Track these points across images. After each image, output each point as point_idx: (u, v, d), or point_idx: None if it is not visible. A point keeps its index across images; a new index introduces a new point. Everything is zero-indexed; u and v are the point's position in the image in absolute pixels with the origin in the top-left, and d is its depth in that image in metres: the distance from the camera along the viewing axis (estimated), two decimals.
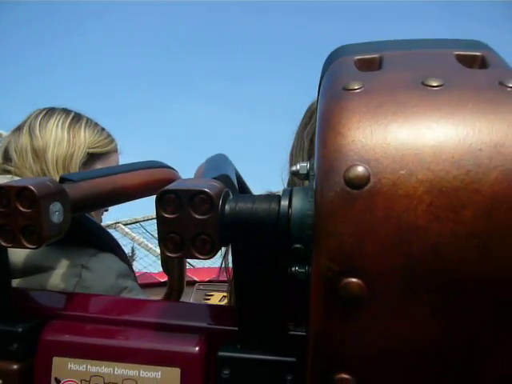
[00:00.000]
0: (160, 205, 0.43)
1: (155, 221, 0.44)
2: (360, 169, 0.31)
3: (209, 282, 1.51)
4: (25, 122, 0.92)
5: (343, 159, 0.32)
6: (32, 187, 0.47)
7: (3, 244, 0.49)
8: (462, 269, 0.30)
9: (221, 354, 0.46)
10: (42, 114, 0.92)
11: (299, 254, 0.41)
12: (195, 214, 0.42)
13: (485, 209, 0.30)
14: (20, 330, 0.52)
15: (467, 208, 0.30)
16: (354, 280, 0.31)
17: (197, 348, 0.48)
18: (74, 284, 0.72)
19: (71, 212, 0.53)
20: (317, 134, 0.35)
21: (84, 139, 0.90)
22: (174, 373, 0.48)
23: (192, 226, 0.43)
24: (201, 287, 1.51)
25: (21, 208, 0.47)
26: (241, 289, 0.45)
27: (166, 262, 0.91)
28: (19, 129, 0.91)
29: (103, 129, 0.97)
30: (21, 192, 0.48)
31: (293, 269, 0.44)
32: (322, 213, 0.32)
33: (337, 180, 0.31)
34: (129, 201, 0.63)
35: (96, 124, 0.96)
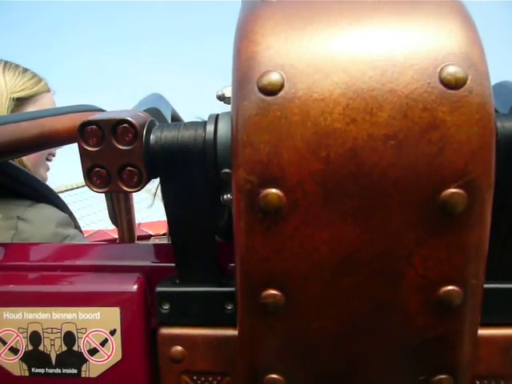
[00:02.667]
0: (81, 138, 0.41)
1: None
2: (274, 75, 0.30)
3: (164, 234, 1.49)
4: None
5: (256, 66, 0.30)
6: None
7: None
8: (379, 172, 0.29)
9: (159, 289, 0.46)
10: None
11: (229, 180, 0.40)
12: (119, 145, 0.40)
13: (400, 109, 0.29)
14: None
15: (383, 109, 0.29)
16: (272, 191, 0.30)
17: (135, 286, 0.47)
18: (11, 237, 0.69)
19: None
20: (233, 47, 0.33)
21: (5, 84, 0.83)
22: (114, 312, 0.47)
23: (117, 158, 0.41)
24: (156, 240, 1.50)
25: None
26: (173, 222, 0.44)
27: (114, 214, 0.88)
28: None
29: (26, 69, 0.88)
30: None
31: (224, 197, 0.43)
32: (237, 123, 0.30)
33: (250, 88, 0.30)
34: (59, 145, 0.60)
35: (16, 66, 0.87)
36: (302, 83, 0.29)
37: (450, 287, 0.32)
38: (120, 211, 0.86)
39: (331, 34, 0.31)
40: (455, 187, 0.30)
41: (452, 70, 0.29)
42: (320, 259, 0.32)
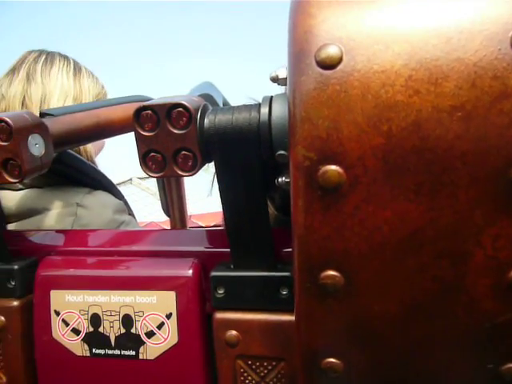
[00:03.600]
0: (137, 123, 0.41)
1: None
2: (332, 48, 0.29)
3: (215, 226, 1.50)
4: (20, 65, 0.84)
5: (313, 40, 0.29)
6: (7, 119, 0.46)
7: None
8: (446, 145, 0.28)
9: (214, 273, 0.46)
10: (42, 58, 0.84)
11: (284, 162, 0.39)
12: (174, 129, 0.41)
13: (468, 78, 0.27)
14: (16, 267, 0.52)
15: (449, 78, 0.28)
16: (332, 167, 0.29)
17: (190, 271, 0.48)
18: (71, 223, 0.72)
19: (54, 146, 0.52)
20: (288, 21, 0.32)
21: (88, 89, 0.85)
22: (170, 296, 0.48)
23: (172, 142, 0.41)
24: None
25: None
26: (227, 207, 0.44)
27: (166, 204, 0.90)
28: (13, 72, 0.83)
29: (97, 78, 0.92)
30: None
31: (279, 180, 0.43)
32: (294, 99, 0.30)
33: (308, 62, 0.29)
34: (114, 135, 0.61)
35: (92, 73, 0.90)
36: (362, 55, 0.28)
37: None
38: (172, 201, 0.88)
39: (390, 2, 0.29)
40: None
41: None
42: (381, 238, 0.31)
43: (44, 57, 0.85)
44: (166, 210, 0.92)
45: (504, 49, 0.27)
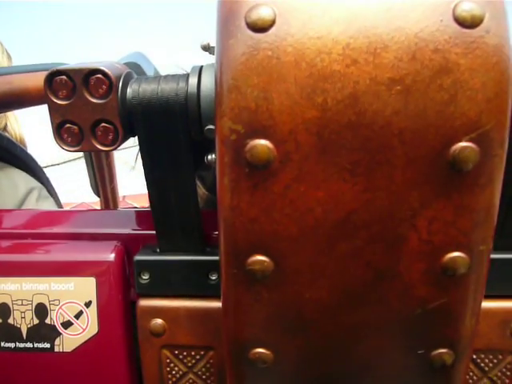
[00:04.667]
0: (50, 89, 0.37)
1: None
2: (264, 9, 0.26)
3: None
4: None
5: (244, 0, 0.26)
6: None
7: None
8: (383, 121, 0.26)
9: (137, 258, 0.42)
10: None
11: (213, 137, 0.36)
12: (92, 98, 0.36)
13: (408, 49, 0.25)
14: None
15: (388, 49, 0.25)
16: (261, 142, 0.26)
17: (112, 255, 0.44)
18: None
19: None
20: None
21: None
22: (89, 283, 0.43)
23: (90, 113, 0.37)
24: None
25: None
26: (152, 185, 0.40)
27: (96, 183, 0.84)
28: None
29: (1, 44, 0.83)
30: None
31: (209, 157, 0.40)
32: (221, 65, 0.26)
33: (237, 24, 0.26)
34: (31, 105, 0.55)
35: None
36: (297, 19, 0.26)
37: (455, 254, 0.29)
38: (102, 180, 0.82)
39: None
40: (467, 140, 0.26)
41: (467, 7, 0.25)
42: (313, 221, 0.28)
43: None
44: (96, 189, 0.85)
45: (446, 20, 0.26)
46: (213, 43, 0.40)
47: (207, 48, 0.40)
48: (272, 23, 0.26)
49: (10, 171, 0.69)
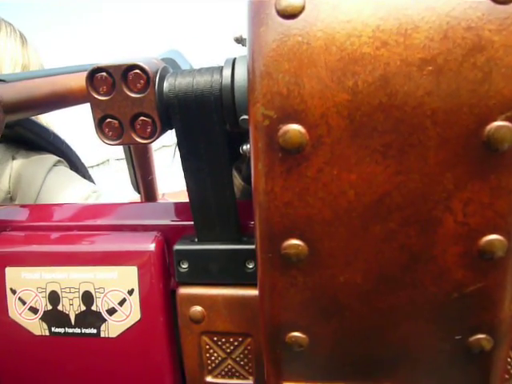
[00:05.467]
0: (91, 86, 0.39)
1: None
2: None
3: None
4: None
5: None
6: None
7: None
8: (415, 102, 0.26)
9: (177, 247, 0.44)
10: None
11: (248, 127, 0.37)
12: (131, 93, 0.38)
13: (440, 28, 0.25)
14: None
15: (419, 29, 0.25)
16: (293, 126, 0.27)
17: (153, 245, 0.45)
18: (8, 176, 0.71)
19: (5, 113, 0.48)
20: None
21: (35, 62, 0.81)
22: (131, 271, 0.45)
23: (129, 107, 0.38)
24: None
25: None
26: (189, 177, 0.41)
27: (135, 180, 0.87)
28: None
29: (37, 51, 0.87)
30: None
31: (244, 147, 0.41)
32: (253, 53, 0.27)
33: (267, 12, 0.27)
34: (74, 105, 0.58)
35: (34, 46, 0.86)
36: (326, 3, 0.26)
37: (492, 236, 0.29)
38: (142, 175, 0.85)
39: None
40: (502, 119, 0.26)
41: None
42: (347, 204, 0.29)
43: None
44: (136, 186, 0.88)
45: None
46: (245, 35, 0.40)
47: (240, 40, 0.41)
48: (301, 9, 0.26)
49: (37, 152, 0.74)
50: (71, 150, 0.79)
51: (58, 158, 0.77)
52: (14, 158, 0.73)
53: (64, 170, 0.77)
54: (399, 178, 0.28)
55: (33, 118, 0.73)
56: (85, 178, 0.81)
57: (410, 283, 0.31)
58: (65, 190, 0.72)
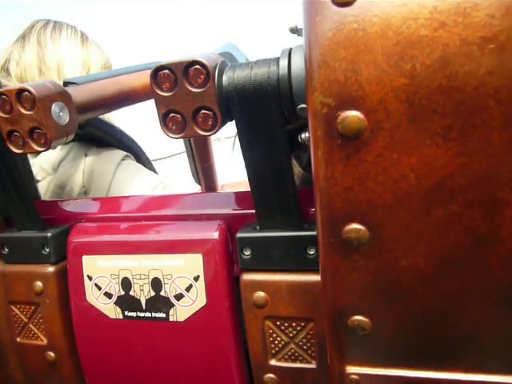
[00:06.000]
0: (155, 83, 0.41)
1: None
2: None
3: None
4: (29, 32, 0.84)
5: None
6: (30, 88, 0.46)
7: (16, 151, 0.49)
8: (477, 82, 0.26)
9: (239, 235, 0.45)
10: (51, 26, 0.86)
11: (306, 116, 0.38)
12: (192, 88, 0.40)
13: (501, 5, 0.25)
14: (49, 235, 0.54)
15: (479, 7, 0.25)
16: (352, 113, 0.27)
17: (216, 233, 0.47)
18: (82, 172, 0.77)
19: (78, 114, 0.52)
20: None
21: (96, 58, 0.87)
22: (197, 259, 0.48)
23: (191, 101, 0.40)
24: None
25: (23, 111, 0.47)
26: (250, 166, 0.43)
27: (196, 171, 0.90)
28: (23, 39, 0.83)
29: (102, 48, 0.92)
30: (20, 94, 0.46)
31: (303, 136, 0.41)
32: (310, 42, 0.28)
33: (322, 2, 0.27)
34: (138, 102, 0.61)
35: (98, 43, 0.91)
36: None
37: None
38: (202, 167, 0.88)
39: None
40: None
41: None
42: (408, 188, 0.29)
43: (52, 24, 0.86)
44: (197, 177, 0.91)
45: None
46: (300, 25, 0.41)
47: (295, 30, 0.41)
48: None
49: (107, 147, 0.79)
50: (137, 144, 0.84)
51: (126, 153, 0.81)
52: (86, 155, 0.79)
53: (132, 164, 0.82)
54: (461, 160, 0.27)
55: (100, 117, 0.78)
56: (150, 170, 0.85)
57: (475, 267, 0.31)
58: (134, 182, 0.77)
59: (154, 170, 0.87)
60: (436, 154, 0.28)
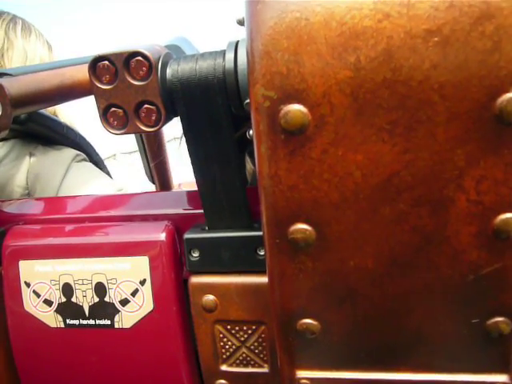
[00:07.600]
0: (94, 76, 0.38)
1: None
2: None
3: None
4: None
5: None
6: None
7: None
8: (421, 76, 0.25)
9: (187, 236, 0.43)
10: (20, 23, 0.81)
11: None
12: (134, 81, 0.37)
13: None
14: None
15: None
16: (295, 107, 0.26)
17: (163, 235, 0.45)
18: (26, 171, 0.72)
19: (13, 107, 0.48)
20: None
21: (40, 52, 0.82)
22: (143, 262, 0.45)
23: (132, 95, 0.38)
24: None
25: None
26: (197, 164, 0.41)
27: (149, 170, 0.87)
28: None
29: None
30: None
31: (250, 132, 0.40)
32: (251, 32, 0.26)
33: None
34: (83, 96, 0.58)
35: (41, 34, 0.86)
36: None
37: (508, 215, 0.28)
38: (156, 165, 0.85)
39: None
40: None
41: None
42: (353, 186, 0.28)
43: (21, 22, 0.81)
44: (150, 176, 0.88)
45: None
46: None
47: (242, 22, 0.40)
48: None
49: (54, 146, 0.75)
50: (86, 141, 0.79)
51: (77, 152, 0.77)
52: (31, 155, 0.74)
53: (84, 166, 0.77)
54: (407, 157, 0.27)
55: (45, 111, 0.74)
56: (102, 170, 0.81)
57: (423, 266, 0.30)
58: (86, 189, 0.72)
59: (107, 173, 0.83)
60: (382, 151, 0.27)
